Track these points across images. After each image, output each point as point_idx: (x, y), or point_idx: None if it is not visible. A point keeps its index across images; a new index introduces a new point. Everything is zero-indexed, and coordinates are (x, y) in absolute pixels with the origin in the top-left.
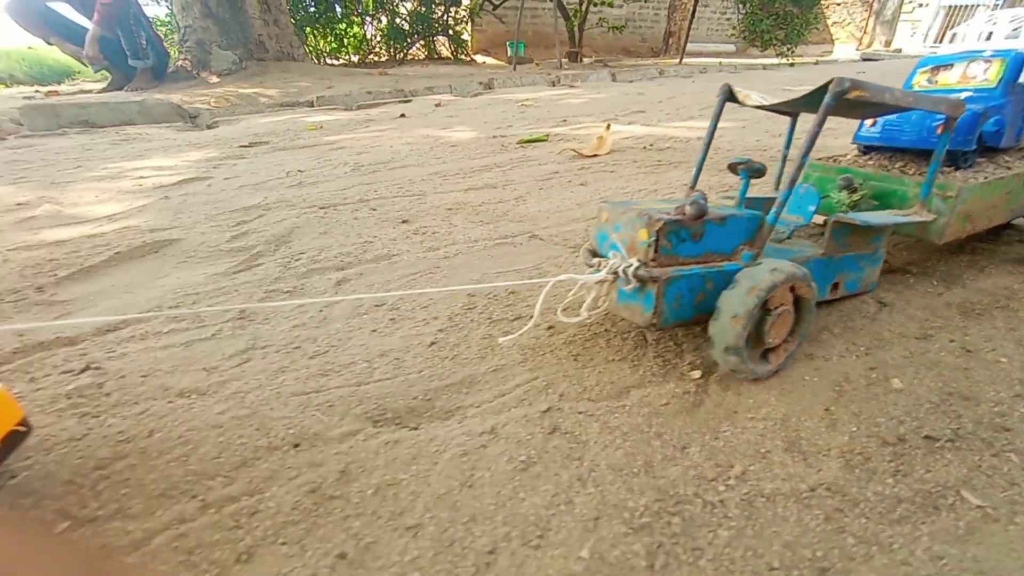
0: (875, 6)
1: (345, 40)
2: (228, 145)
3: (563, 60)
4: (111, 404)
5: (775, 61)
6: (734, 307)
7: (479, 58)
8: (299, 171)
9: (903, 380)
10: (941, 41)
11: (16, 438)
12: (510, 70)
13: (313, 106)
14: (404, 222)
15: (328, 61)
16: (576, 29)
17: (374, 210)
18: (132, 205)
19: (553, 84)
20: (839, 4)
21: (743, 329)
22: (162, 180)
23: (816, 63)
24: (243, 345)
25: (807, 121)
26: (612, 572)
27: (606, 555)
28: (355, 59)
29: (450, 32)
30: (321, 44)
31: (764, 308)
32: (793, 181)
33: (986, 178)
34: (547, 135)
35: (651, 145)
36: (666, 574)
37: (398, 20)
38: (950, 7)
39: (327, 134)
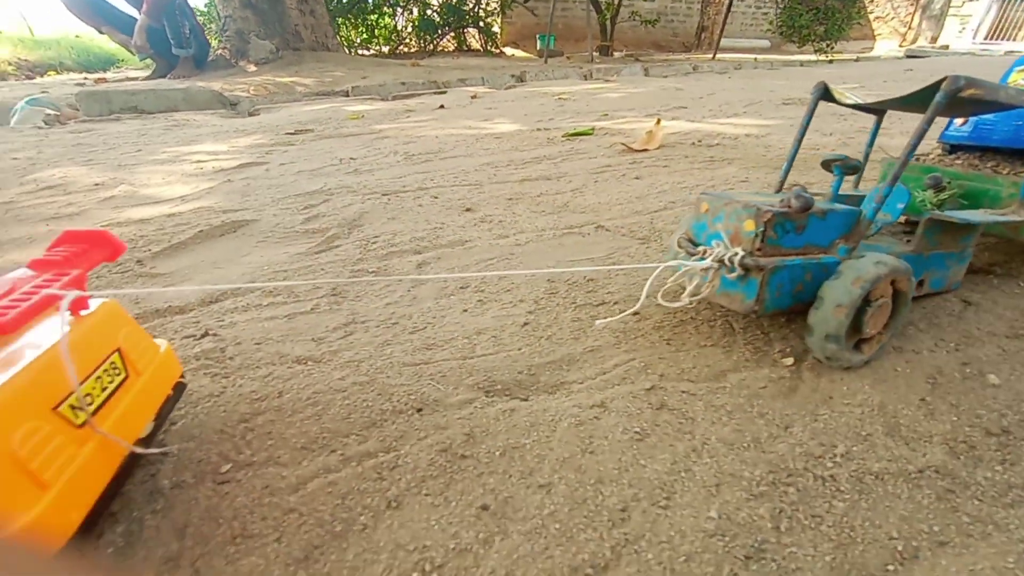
0: (922, 0)
1: (376, 31)
2: (274, 132)
3: (594, 54)
4: (236, 367)
5: (812, 58)
6: (838, 297)
7: (508, 50)
8: (351, 159)
9: (999, 376)
10: (993, 37)
11: (179, 390)
12: (541, 63)
13: (348, 96)
14: (468, 210)
15: (359, 52)
16: (608, 23)
17: (435, 198)
18: (199, 187)
19: (585, 78)
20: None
21: (845, 318)
22: (220, 164)
23: (856, 59)
24: (343, 319)
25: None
26: (741, 531)
27: (733, 516)
28: (385, 50)
29: (480, 24)
30: (352, 34)
31: (864, 299)
32: (895, 178)
33: None
34: (592, 129)
35: (699, 141)
36: (791, 535)
37: (429, 12)
38: (1003, 2)
39: (369, 123)
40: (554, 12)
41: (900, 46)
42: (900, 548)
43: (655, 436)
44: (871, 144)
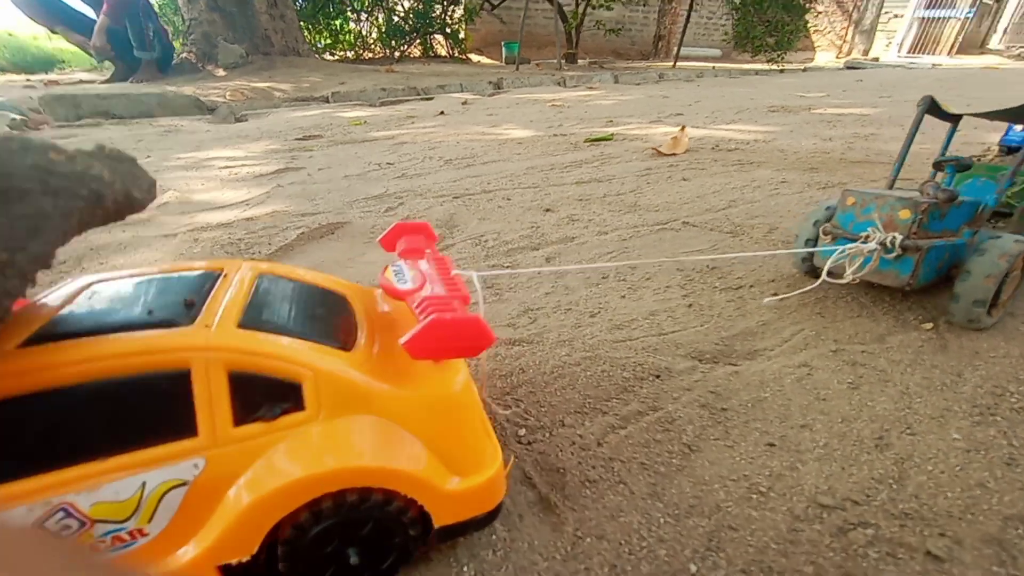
0: (854, 16)
1: (340, 36)
2: (280, 138)
3: (562, 61)
4: None
5: (765, 67)
6: (988, 269)
7: (473, 57)
8: (388, 164)
9: None
10: (914, 51)
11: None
12: (512, 70)
13: (329, 101)
14: (548, 211)
15: (323, 58)
16: (574, 31)
17: (508, 199)
18: (253, 192)
19: (559, 84)
20: (820, 13)
21: (993, 286)
22: (254, 170)
23: (804, 70)
24: (518, 308)
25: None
26: (980, 446)
27: (971, 437)
28: (351, 55)
29: (447, 30)
30: (316, 40)
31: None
32: (1014, 173)
33: None
34: (612, 134)
35: (716, 146)
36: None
37: (396, 18)
38: (923, 19)
39: (374, 129)
40: (528, 20)
41: (837, 58)
42: None
43: (866, 385)
44: (946, 147)
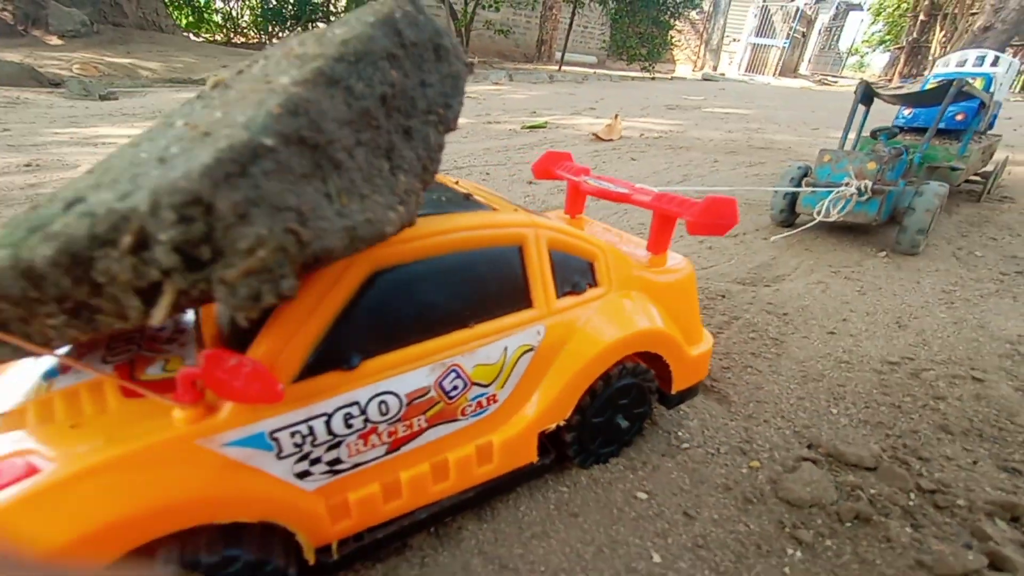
0: (704, 36)
1: (205, 15)
2: None
3: None
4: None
5: (640, 75)
6: (926, 205)
7: None
8: None
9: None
10: (750, 71)
11: None
12: None
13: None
14: (531, 183)
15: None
16: (464, 30)
17: (487, 174)
18: None
19: None
20: (681, 31)
21: (930, 218)
22: None
23: (672, 78)
24: None
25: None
26: (958, 319)
27: (950, 314)
28: (218, 38)
29: (332, 19)
30: (176, 17)
31: None
32: (927, 139)
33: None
34: (546, 122)
35: (643, 135)
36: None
37: (274, 1)
38: (754, 45)
39: None
40: None
41: (694, 71)
42: None
43: (868, 291)
44: (863, 123)
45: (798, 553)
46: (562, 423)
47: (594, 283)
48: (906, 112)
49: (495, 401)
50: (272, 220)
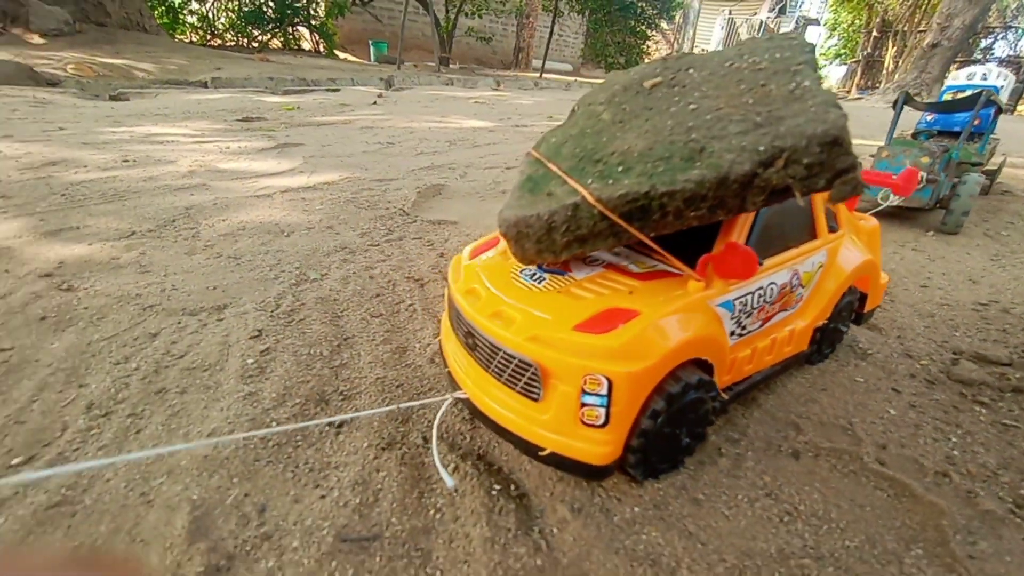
0: (675, 46)
1: (179, 16)
2: (215, 119)
3: (440, 64)
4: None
5: None
6: (970, 191)
7: (339, 54)
8: (388, 143)
9: None
10: None
11: None
12: (394, 68)
13: (208, 87)
14: None
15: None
16: (447, 36)
17: None
18: (284, 164)
19: (447, 85)
20: (653, 40)
21: (974, 203)
22: (243, 145)
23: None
24: None
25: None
26: (1017, 276)
27: (1010, 274)
28: (194, 39)
29: (313, 24)
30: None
31: None
32: (961, 141)
33: None
34: None
35: None
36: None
37: (255, 4)
38: None
39: (311, 115)
40: (384, 20)
41: None
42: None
43: (936, 259)
44: (895, 125)
45: (983, 410)
46: (824, 323)
47: (838, 227)
48: (928, 117)
49: (801, 300)
50: (851, 155)
